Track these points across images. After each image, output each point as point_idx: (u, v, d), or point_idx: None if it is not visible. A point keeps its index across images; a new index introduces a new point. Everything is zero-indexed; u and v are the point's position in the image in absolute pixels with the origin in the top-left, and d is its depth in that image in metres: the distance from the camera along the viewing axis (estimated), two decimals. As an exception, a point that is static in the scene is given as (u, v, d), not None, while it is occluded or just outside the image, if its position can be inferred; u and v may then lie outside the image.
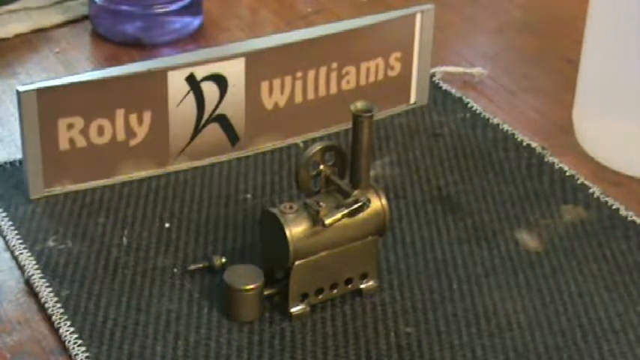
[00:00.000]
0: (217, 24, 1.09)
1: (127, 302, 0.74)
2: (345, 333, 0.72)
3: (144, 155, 0.85)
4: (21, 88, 0.80)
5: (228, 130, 0.88)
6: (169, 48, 1.04)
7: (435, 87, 0.99)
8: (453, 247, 0.80)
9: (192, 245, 0.79)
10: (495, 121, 0.95)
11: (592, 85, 0.91)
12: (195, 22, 1.07)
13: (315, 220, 0.71)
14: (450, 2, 1.15)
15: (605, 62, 0.89)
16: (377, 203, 0.73)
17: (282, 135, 0.90)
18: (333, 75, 0.91)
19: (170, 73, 0.84)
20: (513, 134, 0.93)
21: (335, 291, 0.74)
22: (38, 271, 0.76)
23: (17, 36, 1.05)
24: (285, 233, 0.70)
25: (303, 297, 0.73)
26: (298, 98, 0.90)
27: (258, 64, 0.87)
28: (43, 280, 0.75)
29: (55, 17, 1.08)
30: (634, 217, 0.83)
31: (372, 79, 0.93)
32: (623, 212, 0.84)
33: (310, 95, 0.90)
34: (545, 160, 0.90)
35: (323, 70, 0.90)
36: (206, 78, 0.86)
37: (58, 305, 0.73)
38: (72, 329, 0.71)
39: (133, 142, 0.85)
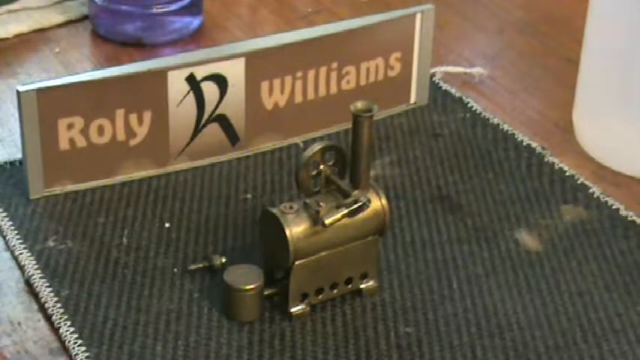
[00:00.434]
0: (217, 24, 1.09)
1: (127, 302, 0.74)
2: (345, 333, 0.72)
3: (144, 155, 0.85)
4: (21, 88, 0.80)
5: (228, 130, 0.88)
6: (169, 48, 1.04)
7: (435, 87, 0.99)
8: (453, 247, 0.80)
9: (192, 245, 0.79)
10: (495, 121, 0.95)
11: (592, 85, 0.91)
12: (195, 22, 1.07)
13: (315, 220, 0.71)
14: (450, 2, 1.15)
15: (605, 62, 0.89)
16: (377, 203, 0.73)
17: (282, 135, 0.90)
18: (333, 75, 0.91)
19: (170, 73, 0.84)
20: (513, 134, 0.93)
21: (335, 291, 0.74)
22: (38, 271, 0.76)
23: (17, 36, 1.05)
24: (285, 233, 0.70)
25: (303, 297, 0.73)
26: (298, 98, 0.90)
27: (258, 64, 0.87)
28: (43, 280, 0.75)
29: (55, 17, 1.08)
30: (634, 217, 0.83)
31: (372, 79, 0.93)
32: (623, 212, 0.84)
33: (310, 95, 0.90)
34: (545, 160, 0.90)
35: (323, 70, 0.90)
36: (206, 78, 0.86)
37: (58, 305, 0.73)
38: (72, 329, 0.71)
39: (133, 142, 0.85)
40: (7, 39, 1.05)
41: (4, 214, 0.81)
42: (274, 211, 0.71)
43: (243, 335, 0.72)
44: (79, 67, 1.01)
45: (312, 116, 0.91)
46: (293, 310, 0.73)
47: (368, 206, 0.72)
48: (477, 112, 0.96)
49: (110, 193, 0.84)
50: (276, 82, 0.88)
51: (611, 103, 0.89)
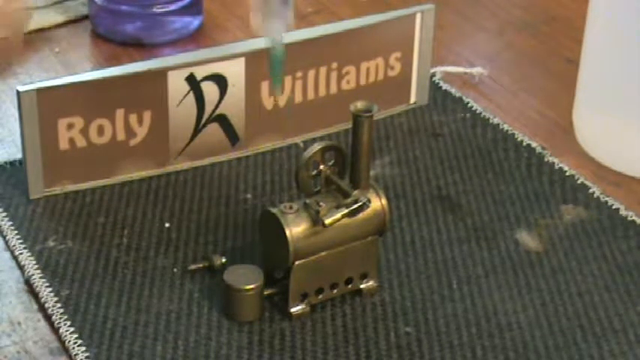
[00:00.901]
0: (217, 24, 1.09)
1: (127, 302, 0.74)
2: (345, 333, 0.72)
3: (144, 155, 0.85)
4: (21, 88, 0.80)
5: (228, 130, 0.88)
6: (169, 48, 1.04)
7: (435, 87, 0.99)
8: (453, 247, 0.80)
9: (192, 245, 0.79)
10: (495, 121, 0.95)
11: (592, 85, 0.91)
12: (195, 22, 1.07)
13: (315, 220, 0.71)
14: (450, 2, 1.15)
15: (605, 62, 0.89)
16: (377, 203, 0.73)
17: (282, 135, 0.90)
18: (333, 75, 0.91)
19: (170, 73, 0.84)
20: (513, 134, 0.93)
21: (335, 291, 0.74)
22: (38, 271, 0.76)
23: (17, 36, 1.05)
24: (285, 233, 0.70)
25: (303, 297, 0.73)
26: (298, 98, 0.90)
27: (258, 64, 0.87)
28: (43, 280, 0.75)
29: (55, 17, 1.08)
30: (634, 217, 0.83)
31: (372, 79, 0.93)
32: (623, 212, 0.84)
33: (310, 95, 0.90)
34: (545, 160, 0.90)
35: (323, 70, 0.90)
36: (206, 78, 0.86)
37: (58, 305, 0.73)
38: (72, 329, 0.71)
39: (133, 142, 0.85)
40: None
41: (4, 214, 0.81)
42: (274, 211, 0.71)
43: (243, 335, 0.72)
44: (79, 67, 1.01)
45: (312, 116, 0.91)
46: (293, 310, 0.73)
47: (368, 206, 0.72)
48: (477, 112, 0.96)
49: (110, 193, 0.84)
50: (276, 82, 0.88)
51: (611, 104, 0.89)
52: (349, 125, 0.72)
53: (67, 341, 0.70)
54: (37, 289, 0.75)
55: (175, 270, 0.77)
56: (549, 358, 0.71)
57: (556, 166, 0.89)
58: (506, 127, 0.94)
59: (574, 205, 0.85)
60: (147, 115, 0.84)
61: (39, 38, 1.05)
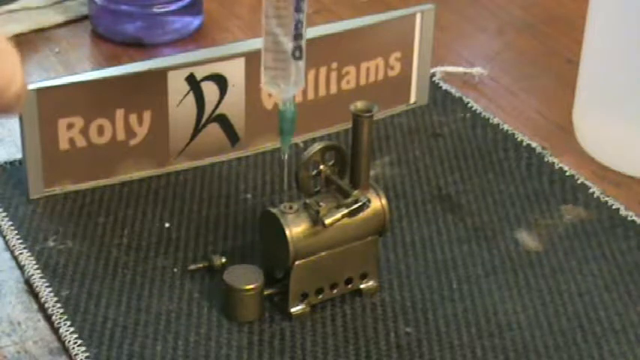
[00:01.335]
0: (217, 24, 1.09)
1: (127, 302, 0.74)
2: (345, 333, 0.72)
3: (144, 155, 0.85)
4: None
5: (228, 130, 0.88)
6: (169, 48, 1.04)
7: (435, 87, 0.99)
8: (453, 247, 0.80)
9: (192, 245, 0.79)
10: (495, 121, 0.95)
11: (592, 85, 0.91)
12: (195, 22, 1.07)
13: (315, 220, 0.71)
14: (450, 2, 1.15)
15: (605, 62, 0.89)
16: (377, 203, 0.73)
17: (282, 135, 0.90)
18: (333, 75, 0.91)
19: (170, 73, 0.84)
20: (513, 134, 0.93)
21: (335, 291, 0.74)
22: (38, 271, 0.76)
23: (17, 36, 1.05)
24: (285, 233, 0.70)
25: (303, 297, 0.73)
26: (298, 98, 0.90)
27: (258, 64, 0.87)
28: (43, 280, 0.75)
29: (55, 17, 1.08)
30: (634, 217, 0.83)
31: (372, 79, 0.93)
32: (623, 212, 0.84)
33: (310, 95, 0.90)
34: (545, 160, 0.90)
35: (323, 70, 0.90)
36: (206, 78, 0.86)
37: (58, 305, 0.73)
38: (72, 329, 0.71)
39: (133, 142, 0.85)
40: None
41: (4, 214, 0.81)
42: (274, 211, 0.71)
43: (243, 335, 0.72)
44: (79, 67, 1.01)
45: (312, 116, 0.91)
46: (293, 310, 0.73)
47: (368, 206, 0.72)
48: (477, 112, 0.96)
49: (110, 193, 0.84)
50: (276, 82, 0.88)
51: (611, 104, 0.89)
52: (349, 125, 0.72)
53: (67, 341, 0.70)
54: (37, 289, 0.75)
55: (175, 270, 0.77)
56: (549, 358, 0.71)
57: (556, 166, 0.89)
58: (506, 127, 0.94)
59: (574, 205, 0.85)
60: (147, 115, 0.84)
61: (39, 38, 1.05)
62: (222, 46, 0.89)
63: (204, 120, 0.87)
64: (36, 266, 0.76)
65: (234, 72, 0.86)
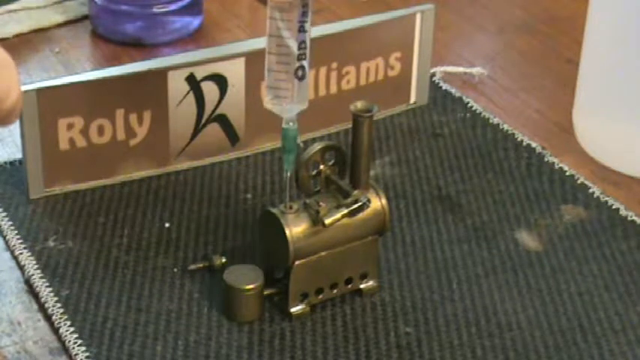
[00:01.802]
0: (217, 24, 1.09)
1: (127, 302, 0.74)
2: (345, 333, 0.72)
3: (144, 155, 0.85)
4: (21, 88, 0.80)
5: (228, 130, 0.88)
6: (169, 48, 1.04)
7: (435, 87, 0.99)
8: (453, 247, 0.80)
9: (192, 245, 0.79)
10: (495, 121, 0.95)
11: (592, 85, 0.91)
12: (195, 22, 1.07)
13: (315, 220, 0.71)
14: (450, 2, 1.15)
15: (605, 62, 0.89)
16: (377, 203, 0.73)
17: (282, 135, 0.90)
18: (333, 75, 0.91)
19: (170, 73, 0.84)
20: (513, 134, 0.93)
21: (335, 291, 0.74)
22: (38, 271, 0.76)
23: (17, 36, 1.05)
24: (285, 233, 0.70)
25: (303, 297, 0.73)
26: (298, 98, 0.90)
27: (258, 64, 0.87)
28: (43, 280, 0.75)
29: (55, 17, 1.08)
30: (634, 217, 0.83)
31: (372, 79, 0.93)
32: (623, 212, 0.84)
33: (310, 95, 0.90)
34: (545, 160, 0.90)
35: (323, 70, 0.90)
36: (206, 78, 0.86)
37: (58, 305, 0.73)
38: (72, 329, 0.71)
39: (133, 142, 0.85)
40: (7, 39, 1.05)
41: (4, 214, 0.81)
42: (274, 211, 0.71)
43: (243, 335, 0.72)
44: (79, 67, 1.01)
45: (312, 116, 0.91)
46: (293, 310, 0.73)
47: (368, 206, 0.72)
48: (477, 112, 0.96)
49: (110, 193, 0.84)
50: (276, 82, 0.88)
51: (610, 104, 0.89)
52: (349, 125, 0.72)
53: (67, 341, 0.70)
54: (37, 289, 0.75)
55: (175, 270, 0.77)
56: (549, 358, 0.71)
57: (556, 166, 0.89)
58: (506, 127, 0.94)
59: (574, 205, 0.85)
60: (147, 115, 0.84)
61: (39, 38, 1.05)
62: (222, 46, 0.89)
63: (204, 120, 0.87)
64: (36, 266, 0.76)
65: (234, 72, 0.86)
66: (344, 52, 0.91)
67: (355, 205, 0.71)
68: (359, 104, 0.70)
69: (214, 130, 0.87)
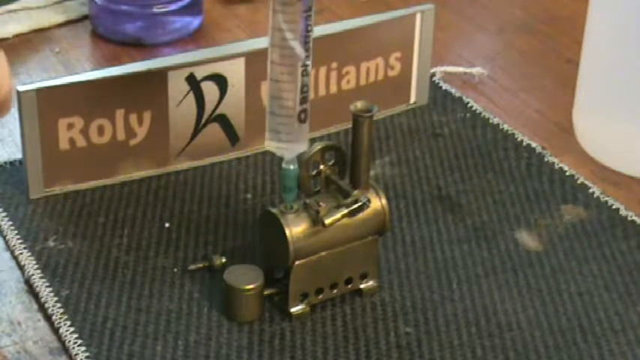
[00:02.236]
0: (217, 24, 1.09)
1: (127, 302, 0.74)
2: (345, 333, 0.72)
3: (144, 155, 0.85)
4: (21, 88, 0.80)
5: (228, 130, 0.88)
6: (169, 48, 1.04)
7: (435, 87, 0.99)
8: (453, 247, 0.80)
9: (192, 245, 0.79)
10: (495, 121, 0.95)
11: (592, 85, 0.91)
12: (195, 22, 1.07)
13: (315, 220, 0.71)
14: (450, 2, 1.15)
15: (605, 62, 0.89)
16: (377, 203, 0.73)
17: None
18: (333, 75, 0.91)
19: (170, 73, 0.84)
20: (513, 134, 0.93)
21: (335, 291, 0.74)
22: (38, 271, 0.76)
23: (17, 36, 1.05)
24: (285, 233, 0.70)
25: (303, 297, 0.73)
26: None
27: (258, 64, 0.87)
28: (43, 280, 0.75)
29: (55, 17, 1.08)
30: (634, 217, 0.83)
31: (372, 79, 0.93)
32: (623, 212, 0.84)
33: (310, 95, 0.90)
34: (545, 160, 0.90)
35: (323, 70, 0.90)
36: (206, 78, 0.86)
37: (58, 305, 0.73)
38: (72, 329, 0.71)
39: (133, 142, 0.85)
40: (7, 39, 1.05)
41: (4, 214, 0.81)
42: (274, 211, 0.71)
43: (243, 335, 0.72)
44: (79, 67, 1.01)
45: (312, 116, 0.91)
46: (293, 310, 0.73)
47: (368, 206, 0.72)
48: (477, 112, 0.96)
49: (110, 193, 0.84)
50: (276, 82, 0.88)
51: (610, 103, 0.89)
52: (349, 125, 0.72)
53: (67, 341, 0.70)
54: (37, 289, 0.75)
55: (175, 270, 0.77)
56: (549, 358, 0.71)
57: (556, 166, 0.89)
58: (506, 127, 0.94)
59: (574, 205, 0.85)
60: (147, 115, 0.84)
61: (39, 38, 1.05)
62: (222, 46, 0.89)
63: (204, 120, 0.87)
64: (36, 266, 0.76)
65: (234, 72, 0.86)
66: (344, 52, 0.91)
67: (355, 205, 0.71)
68: (359, 104, 0.70)
69: (214, 130, 0.87)
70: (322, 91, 0.91)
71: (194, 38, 1.06)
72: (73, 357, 0.70)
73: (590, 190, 0.86)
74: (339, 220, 0.71)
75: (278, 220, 0.71)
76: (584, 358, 0.71)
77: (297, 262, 0.71)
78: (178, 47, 1.04)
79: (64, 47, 1.04)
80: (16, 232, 0.80)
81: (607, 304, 0.75)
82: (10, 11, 1.08)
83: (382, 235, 0.74)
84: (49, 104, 0.81)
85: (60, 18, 1.08)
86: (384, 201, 0.73)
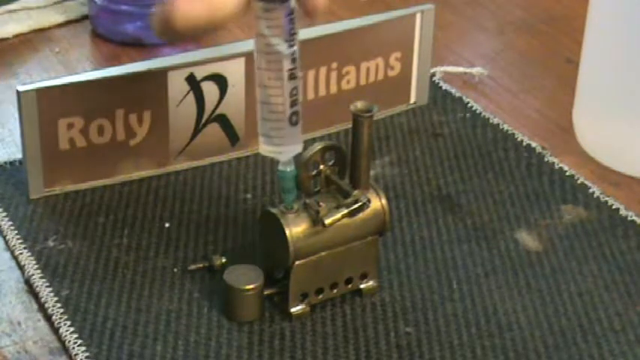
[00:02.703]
0: (217, 24, 1.09)
1: (127, 302, 0.74)
2: (345, 333, 0.72)
3: (144, 155, 0.85)
4: (21, 88, 0.80)
5: (228, 130, 0.88)
6: (169, 48, 1.04)
7: (435, 87, 0.99)
8: (453, 247, 0.80)
9: (192, 245, 0.79)
10: (495, 121, 0.95)
11: (592, 85, 0.91)
12: (195, 22, 1.07)
13: (315, 220, 0.71)
14: (450, 2, 1.15)
15: (605, 62, 0.89)
16: (377, 203, 0.73)
17: (282, 135, 0.90)
18: (333, 75, 0.91)
19: (170, 73, 0.84)
20: (513, 134, 0.93)
21: (335, 291, 0.74)
22: (38, 271, 0.76)
23: (17, 36, 1.05)
24: (285, 233, 0.70)
25: (303, 297, 0.73)
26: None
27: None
28: (43, 280, 0.75)
29: (55, 17, 1.08)
30: (634, 217, 0.83)
31: (372, 79, 0.93)
32: (623, 212, 0.84)
33: (310, 95, 0.90)
34: (545, 160, 0.90)
35: (323, 70, 0.90)
36: (206, 78, 0.86)
37: (58, 305, 0.73)
38: (72, 329, 0.71)
39: (133, 142, 0.85)
40: (7, 39, 1.05)
41: (4, 214, 0.81)
42: (274, 211, 0.71)
43: (243, 335, 0.72)
44: (79, 67, 1.01)
45: (312, 116, 0.91)
46: (293, 310, 0.73)
47: (368, 206, 0.72)
48: (477, 112, 0.96)
49: (110, 193, 0.84)
50: (276, 82, 0.88)
51: (611, 103, 0.89)
52: (349, 125, 0.72)
53: (67, 341, 0.70)
54: (37, 289, 0.75)
55: (175, 270, 0.77)
56: (549, 358, 0.71)
57: (556, 166, 0.89)
58: (506, 127, 0.94)
59: (574, 205, 0.85)
60: (147, 115, 0.84)
61: (39, 38, 1.05)
62: (222, 46, 0.89)
63: (204, 120, 0.87)
64: (36, 266, 0.76)
65: (234, 72, 0.86)
66: (344, 52, 0.91)
67: (355, 205, 0.71)
68: (359, 104, 0.70)
69: (214, 130, 0.87)
70: (322, 91, 0.91)
71: (194, 38, 1.06)
72: (73, 357, 0.70)
73: (590, 190, 0.86)
74: (339, 220, 0.71)
75: (278, 220, 0.71)
76: (584, 358, 0.71)
77: (297, 262, 0.71)
78: (178, 47, 1.04)
79: (64, 47, 1.04)
80: (16, 232, 0.80)
81: (607, 304, 0.75)
82: (10, 11, 1.08)
83: (382, 235, 0.74)
84: (49, 104, 0.81)
85: (60, 18, 1.08)
86: (384, 201, 0.73)
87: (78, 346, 0.70)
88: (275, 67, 0.68)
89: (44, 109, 0.81)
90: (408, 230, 0.82)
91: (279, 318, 0.73)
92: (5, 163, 0.87)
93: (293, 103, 0.69)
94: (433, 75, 1.00)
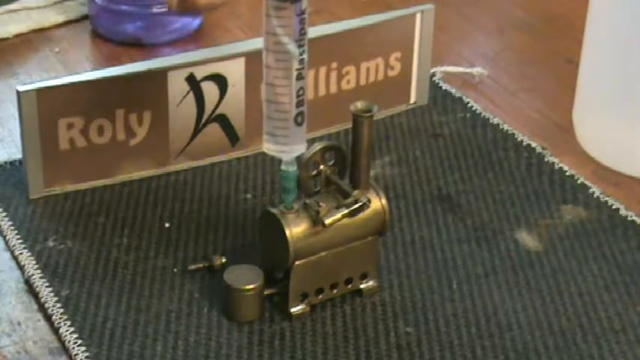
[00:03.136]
0: (217, 24, 1.09)
1: (127, 302, 0.74)
2: (345, 333, 0.72)
3: (144, 155, 0.85)
4: (21, 88, 0.80)
5: (228, 130, 0.88)
6: (169, 48, 1.04)
7: (435, 87, 0.99)
8: (453, 247, 0.80)
9: (192, 245, 0.79)
10: (495, 121, 0.95)
11: (592, 85, 0.91)
12: (195, 22, 1.07)
13: (315, 220, 0.71)
14: (450, 2, 1.15)
15: (605, 62, 0.89)
16: (377, 203, 0.73)
17: (282, 135, 0.90)
18: (333, 75, 0.91)
19: (170, 73, 0.84)
20: (513, 134, 0.93)
21: (335, 291, 0.74)
22: (38, 271, 0.76)
23: (17, 36, 1.05)
24: (285, 233, 0.70)
25: (303, 297, 0.73)
26: (298, 98, 0.90)
27: (258, 64, 0.86)
28: (43, 280, 0.75)
29: (55, 17, 1.08)
30: (634, 217, 0.83)
31: (372, 79, 0.93)
32: (623, 212, 0.84)
33: (310, 95, 0.90)
34: (545, 160, 0.90)
35: (323, 70, 0.90)
36: (206, 78, 0.86)
37: (58, 305, 0.73)
38: (72, 329, 0.71)
39: (133, 142, 0.85)
40: (7, 39, 1.05)
41: (4, 214, 0.81)
42: (274, 211, 0.71)
43: (243, 335, 0.72)
44: (79, 67, 1.01)
45: (312, 116, 0.91)
46: (293, 310, 0.73)
47: (368, 206, 0.72)
48: (477, 112, 0.96)
49: (110, 193, 0.84)
50: (276, 82, 0.88)
51: (610, 103, 0.89)
52: (349, 125, 0.72)
53: (67, 341, 0.70)
54: (37, 289, 0.75)
55: (175, 270, 0.77)
56: (549, 358, 0.71)
57: (556, 166, 0.89)
58: (506, 127, 0.94)
59: (574, 205, 0.85)
60: (147, 115, 0.84)
61: (39, 38, 1.05)
62: (222, 46, 0.89)
63: (204, 120, 0.87)
64: (36, 266, 0.76)
65: (234, 72, 0.86)
66: (344, 52, 0.91)
67: (355, 205, 0.71)
68: (359, 104, 0.70)
69: (214, 130, 0.88)
70: (322, 91, 0.91)
71: (194, 38, 1.06)
72: (73, 357, 0.70)
73: (590, 190, 0.86)
74: (339, 220, 0.71)
75: (278, 220, 0.71)
76: (584, 358, 0.71)
77: (297, 263, 0.72)
78: (178, 47, 1.04)
79: (64, 47, 1.04)
80: (16, 232, 0.80)
81: (607, 304, 0.75)
82: (10, 11, 1.08)
83: (382, 235, 0.74)
84: (49, 104, 0.81)
85: (60, 18, 1.08)
86: (384, 201, 0.73)
87: (78, 346, 0.70)
88: (283, 65, 0.68)
89: (44, 109, 0.81)
90: (408, 230, 0.82)
91: (279, 318, 0.73)
92: (5, 163, 0.87)
93: (299, 103, 0.69)
94: (433, 75, 1.00)
